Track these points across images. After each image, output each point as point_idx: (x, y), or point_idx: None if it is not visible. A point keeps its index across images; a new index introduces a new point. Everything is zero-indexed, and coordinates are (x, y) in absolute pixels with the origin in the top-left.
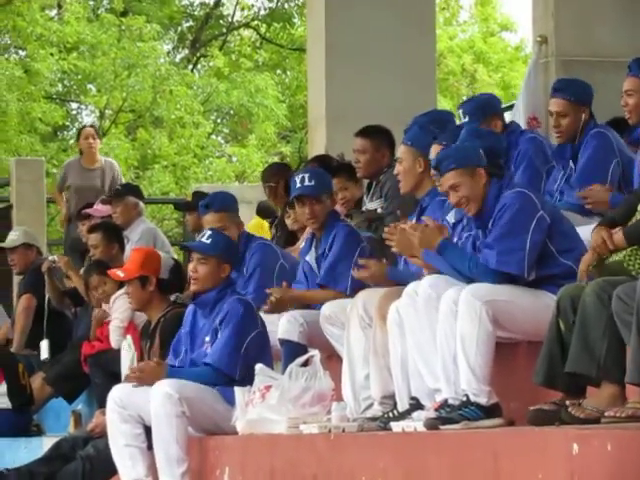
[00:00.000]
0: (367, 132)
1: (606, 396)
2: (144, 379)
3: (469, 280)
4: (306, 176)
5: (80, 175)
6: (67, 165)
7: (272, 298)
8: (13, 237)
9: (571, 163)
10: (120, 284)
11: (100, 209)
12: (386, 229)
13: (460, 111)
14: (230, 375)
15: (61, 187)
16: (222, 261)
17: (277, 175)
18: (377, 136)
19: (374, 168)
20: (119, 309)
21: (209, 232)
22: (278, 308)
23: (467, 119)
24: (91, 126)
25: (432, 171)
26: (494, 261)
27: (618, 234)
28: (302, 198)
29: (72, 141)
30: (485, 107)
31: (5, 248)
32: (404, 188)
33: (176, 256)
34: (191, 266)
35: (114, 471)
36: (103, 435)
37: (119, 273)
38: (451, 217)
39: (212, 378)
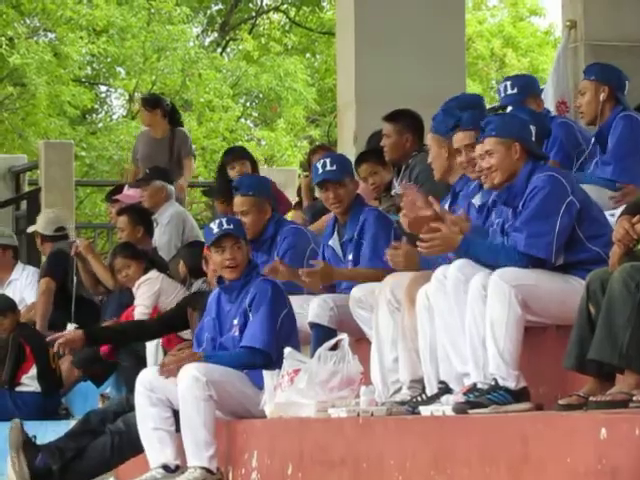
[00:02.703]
0: (392, 116)
1: (628, 385)
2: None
3: (499, 267)
4: (327, 161)
5: (147, 145)
6: (139, 136)
7: (317, 268)
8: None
9: (598, 146)
10: (145, 269)
11: (130, 194)
12: (390, 251)
13: (508, 83)
14: (269, 353)
15: (134, 159)
16: (246, 242)
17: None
18: (400, 120)
19: (398, 152)
20: (143, 295)
21: (225, 219)
22: (321, 279)
23: (515, 91)
24: (141, 97)
25: (458, 158)
26: (522, 244)
27: None
28: (325, 183)
29: (101, 124)
30: (530, 85)
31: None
32: (436, 175)
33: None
34: (227, 255)
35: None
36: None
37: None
38: (477, 200)
39: (251, 359)
